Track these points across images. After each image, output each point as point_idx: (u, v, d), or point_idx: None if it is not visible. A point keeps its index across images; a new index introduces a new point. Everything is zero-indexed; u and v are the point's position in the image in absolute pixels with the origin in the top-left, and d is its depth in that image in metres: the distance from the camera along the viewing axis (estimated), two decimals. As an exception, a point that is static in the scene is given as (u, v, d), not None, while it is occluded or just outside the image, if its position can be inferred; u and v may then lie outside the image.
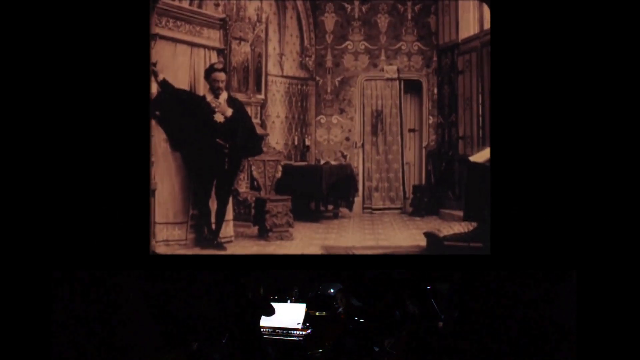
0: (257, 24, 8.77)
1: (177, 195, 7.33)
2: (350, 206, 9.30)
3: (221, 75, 7.60)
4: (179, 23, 7.45)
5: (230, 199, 7.69)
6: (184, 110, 7.36)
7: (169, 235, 7.19)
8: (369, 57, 9.61)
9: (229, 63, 8.21)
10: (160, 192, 7.09)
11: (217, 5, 8.10)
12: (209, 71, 7.59)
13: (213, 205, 7.54)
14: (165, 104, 7.19)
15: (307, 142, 9.51)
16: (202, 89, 7.56)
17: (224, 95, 7.57)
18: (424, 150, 9.57)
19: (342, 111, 9.71)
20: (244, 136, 7.68)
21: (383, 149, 9.66)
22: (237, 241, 7.70)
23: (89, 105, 6.34)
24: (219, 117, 7.53)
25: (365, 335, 6.18)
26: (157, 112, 7.10)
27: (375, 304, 6.57)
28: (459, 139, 8.90)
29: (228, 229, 7.68)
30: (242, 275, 6.73)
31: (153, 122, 6.98)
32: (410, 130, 9.76)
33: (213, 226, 7.51)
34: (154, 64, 7.04)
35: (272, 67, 9.22)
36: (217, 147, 7.47)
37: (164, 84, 7.14)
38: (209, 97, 7.52)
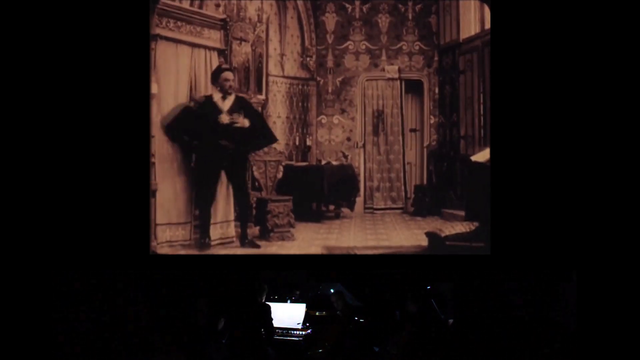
0: (258, 25, 8.78)
1: (180, 196, 7.33)
2: (351, 206, 9.29)
3: (231, 75, 7.69)
4: (179, 24, 7.45)
5: (232, 200, 7.70)
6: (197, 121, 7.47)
7: (172, 236, 7.20)
8: (370, 57, 9.60)
9: (229, 63, 8.20)
10: (163, 192, 7.10)
11: (217, 5, 8.10)
12: (218, 72, 7.63)
13: (217, 205, 7.55)
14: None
15: (309, 143, 9.50)
16: (203, 89, 7.58)
17: (232, 95, 7.64)
18: (425, 150, 9.56)
19: (343, 111, 9.71)
20: (255, 132, 7.75)
21: (384, 149, 9.66)
22: (239, 241, 7.69)
23: (89, 106, 6.36)
24: (224, 118, 7.56)
25: (365, 335, 6.18)
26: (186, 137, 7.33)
27: (375, 304, 6.57)
28: (460, 138, 8.88)
29: (229, 230, 7.69)
30: (244, 275, 6.74)
31: (153, 122, 6.98)
32: (411, 130, 9.75)
33: (216, 226, 7.52)
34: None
35: (273, 68, 9.22)
36: (224, 146, 7.50)
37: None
38: (216, 97, 7.55)
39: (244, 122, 7.63)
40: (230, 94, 7.61)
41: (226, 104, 7.59)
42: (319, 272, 7.17)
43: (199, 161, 7.45)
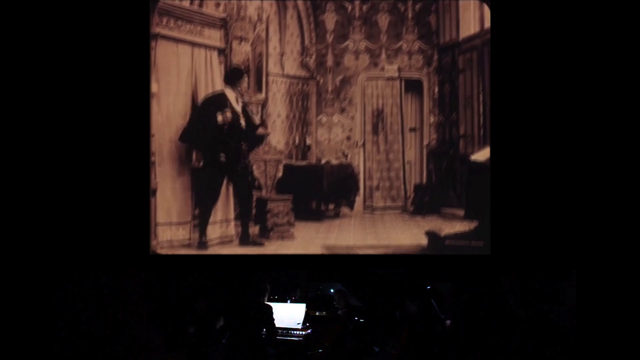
0: (258, 24, 8.78)
1: (180, 195, 7.33)
2: (351, 205, 9.31)
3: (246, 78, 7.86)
4: (179, 22, 7.45)
5: (232, 198, 7.70)
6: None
7: (172, 236, 7.20)
8: (370, 56, 9.61)
9: (229, 63, 8.21)
10: (163, 192, 7.10)
11: (217, 4, 8.10)
12: (239, 75, 7.72)
13: (217, 204, 7.55)
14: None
15: (308, 142, 9.51)
16: (203, 88, 7.57)
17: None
18: (425, 149, 9.57)
19: (343, 110, 9.72)
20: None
21: (384, 148, 9.66)
22: (238, 240, 7.69)
23: (89, 105, 6.34)
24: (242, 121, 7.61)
25: (365, 335, 6.18)
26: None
27: (375, 304, 6.57)
28: (459, 137, 8.90)
29: (229, 229, 7.69)
30: (244, 275, 6.73)
31: (154, 122, 6.98)
32: (411, 129, 9.76)
33: (216, 225, 7.51)
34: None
35: (272, 67, 9.23)
36: (236, 147, 7.53)
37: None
38: (230, 97, 7.57)
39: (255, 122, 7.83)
40: (243, 97, 7.69)
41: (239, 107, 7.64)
42: (319, 272, 7.17)
43: (206, 160, 7.45)
